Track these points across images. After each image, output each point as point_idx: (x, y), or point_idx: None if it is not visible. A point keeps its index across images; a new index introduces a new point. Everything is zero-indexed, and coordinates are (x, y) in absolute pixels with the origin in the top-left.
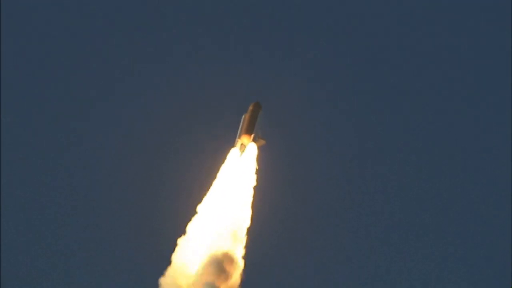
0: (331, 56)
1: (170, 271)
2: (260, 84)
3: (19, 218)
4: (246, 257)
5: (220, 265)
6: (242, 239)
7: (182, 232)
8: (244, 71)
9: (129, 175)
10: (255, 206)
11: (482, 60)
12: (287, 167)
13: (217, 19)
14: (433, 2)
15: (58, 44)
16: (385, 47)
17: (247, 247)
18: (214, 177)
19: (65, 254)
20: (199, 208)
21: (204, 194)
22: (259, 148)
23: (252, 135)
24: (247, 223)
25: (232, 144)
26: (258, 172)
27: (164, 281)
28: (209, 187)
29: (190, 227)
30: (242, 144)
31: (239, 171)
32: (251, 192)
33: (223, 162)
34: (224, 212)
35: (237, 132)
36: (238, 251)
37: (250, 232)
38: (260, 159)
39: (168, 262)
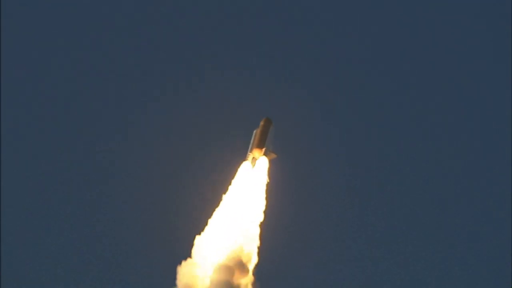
0: (339, 74)
1: (184, 277)
2: (271, 101)
3: (29, 218)
4: (256, 267)
5: (232, 273)
6: (254, 244)
7: (199, 234)
8: (256, 89)
9: (149, 184)
10: (266, 216)
11: (481, 67)
12: (297, 179)
13: (232, 38)
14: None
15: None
16: (394, 64)
17: (258, 254)
18: (227, 188)
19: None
20: (213, 217)
21: (218, 204)
22: (270, 161)
23: (263, 149)
24: (258, 230)
25: (244, 158)
26: (269, 184)
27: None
28: (223, 197)
29: (204, 235)
30: (253, 157)
31: (250, 182)
32: (262, 203)
33: (235, 174)
34: (236, 222)
35: (248, 146)
36: (250, 259)
37: (261, 240)
38: (271, 172)
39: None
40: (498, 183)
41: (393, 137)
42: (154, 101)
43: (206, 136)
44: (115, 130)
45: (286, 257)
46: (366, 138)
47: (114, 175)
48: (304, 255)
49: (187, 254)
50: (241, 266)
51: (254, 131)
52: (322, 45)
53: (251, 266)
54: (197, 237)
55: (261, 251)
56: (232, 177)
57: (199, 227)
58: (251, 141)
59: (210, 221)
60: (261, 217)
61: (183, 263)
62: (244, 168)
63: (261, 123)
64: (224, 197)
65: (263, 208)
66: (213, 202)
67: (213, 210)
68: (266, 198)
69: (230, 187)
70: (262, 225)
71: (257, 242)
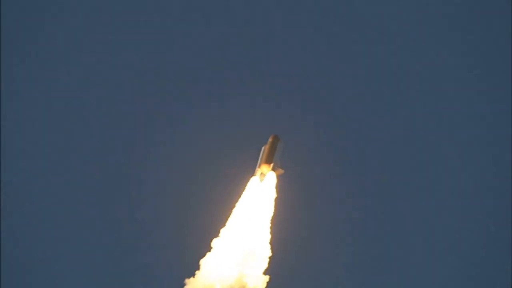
0: (345, 93)
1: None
2: (279, 119)
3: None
4: (267, 275)
5: (242, 283)
6: (264, 257)
7: (207, 250)
8: (264, 107)
9: (161, 197)
10: (274, 228)
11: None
12: (304, 194)
13: (244, 57)
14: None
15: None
16: (399, 83)
17: (268, 265)
18: (236, 202)
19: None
20: (223, 230)
21: (228, 217)
22: (278, 176)
23: (272, 165)
24: (268, 243)
25: (252, 173)
26: (277, 198)
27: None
28: (232, 211)
29: (215, 244)
30: (261, 173)
31: (259, 197)
32: (270, 216)
33: (244, 188)
34: (246, 235)
35: (257, 162)
36: (260, 269)
37: (271, 251)
38: (279, 187)
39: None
40: (498, 183)
41: (402, 152)
42: (165, 119)
43: (216, 152)
44: (128, 143)
45: (295, 271)
46: (372, 153)
47: (124, 189)
48: (312, 269)
49: (196, 268)
50: (251, 279)
51: (263, 148)
52: (329, 64)
53: (262, 278)
54: (207, 250)
55: (271, 263)
56: (241, 192)
57: (208, 240)
58: (260, 157)
59: (220, 234)
60: (269, 231)
61: (191, 279)
62: (253, 183)
63: (270, 139)
64: (234, 211)
65: (271, 221)
66: (223, 216)
67: (223, 224)
68: (274, 212)
69: (239, 201)
70: (271, 239)
71: (265, 258)
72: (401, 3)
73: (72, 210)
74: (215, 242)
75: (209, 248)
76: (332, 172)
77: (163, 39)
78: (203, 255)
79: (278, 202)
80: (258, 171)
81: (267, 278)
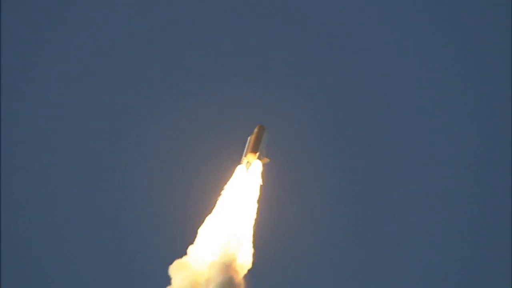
0: (329, 83)
1: (182, 268)
2: (264, 109)
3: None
4: (252, 258)
5: (228, 264)
6: (248, 242)
7: (195, 234)
8: (251, 98)
9: (153, 185)
10: (259, 214)
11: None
12: (288, 182)
13: (229, 49)
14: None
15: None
16: (385, 72)
17: (253, 248)
18: (223, 189)
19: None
20: (211, 214)
21: (215, 203)
22: (263, 165)
23: (257, 154)
24: (252, 230)
25: (239, 162)
26: (262, 186)
27: (175, 276)
28: (219, 198)
29: (202, 230)
30: (248, 161)
31: (245, 184)
32: (255, 202)
33: (231, 176)
34: (232, 220)
35: (243, 151)
36: (244, 252)
37: (255, 236)
38: (265, 175)
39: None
40: (498, 183)
41: (384, 140)
42: (155, 108)
43: (204, 142)
44: (114, 133)
45: (278, 254)
46: (356, 143)
47: (112, 177)
48: (295, 253)
49: (183, 253)
50: (234, 264)
51: (249, 137)
52: (313, 54)
53: (244, 264)
54: (194, 235)
55: (254, 247)
56: (228, 179)
57: (196, 226)
58: (246, 147)
59: (206, 220)
60: (254, 216)
61: (179, 261)
62: (239, 171)
63: (255, 129)
64: (220, 197)
65: (256, 207)
66: (210, 202)
67: (210, 210)
68: (259, 199)
69: (225, 188)
70: (256, 224)
71: (250, 240)
72: None
73: (62, 201)
74: (202, 227)
75: (196, 233)
76: (316, 160)
77: (148, 28)
78: (191, 240)
79: (264, 189)
80: (244, 160)
81: (251, 260)
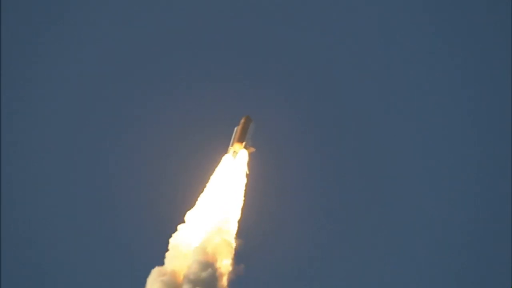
0: (313, 76)
1: (171, 252)
2: (251, 101)
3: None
4: (236, 243)
5: (214, 248)
6: (234, 228)
7: (182, 220)
8: (237, 91)
9: (146, 173)
10: (246, 201)
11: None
12: (273, 170)
13: (216, 46)
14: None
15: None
16: (373, 64)
17: (238, 233)
18: (210, 177)
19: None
20: (198, 201)
21: (202, 190)
22: (249, 154)
23: (243, 143)
24: (238, 214)
25: (225, 151)
26: (248, 174)
27: (166, 260)
28: (206, 185)
29: (189, 216)
30: (234, 151)
31: (231, 172)
32: (242, 189)
33: (218, 165)
34: (219, 205)
35: (230, 141)
36: (230, 237)
37: (240, 222)
38: (250, 164)
39: (168, 246)
40: (499, 183)
41: (369, 130)
42: (146, 101)
43: (193, 132)
44: (108, 125)
45: (263, 239)
46: (339, 134)
47: (107, 167)
48: (279, 236)
49: (170, 237)
50: (221, 247)
51: (235, 128)
52: (298, 49)
53: (231, 247)
54: (183, 219)
55: (240, 233)
56: (215, 167)
57: (185, 211)
58: (232, 137)
59: (194, 206)
60: (240, 203)
61: (168, 245)
62: (226, 160)
63: (242, 120)
64: (208, 184)
65: (243, 194)
66: (198, 189)
67: (198, 196)
68: (246, 186)
69: (213, 176)
70: (242, 210)
71: (236, 226)
72: None
73: (62, 200)
74: (190, 213)
75: (184, 218)
76: (299, 150)
77: (139, 21)
78: (179, 224)
79: (249, 177)
80: (231, 149)
81: (236, 241)
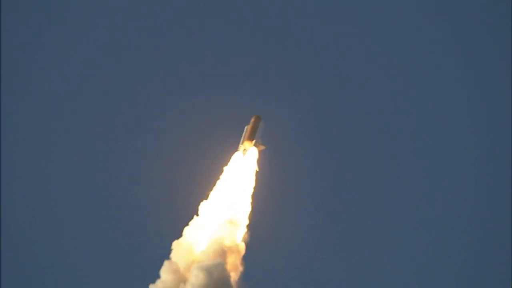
0: (322, 77)
1: (179, 249)
2: (261, 101)
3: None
4: (247, 239)
5: (223, 244)
6: (244, 223)
7: (195, 213)
8: (248, 90)
9: (160, 171)
10: (255, 197)
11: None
12: (282, 168)
13: (228, 47)
14: None
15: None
16: (380, 64)
17: (248, 230)
18: (221, 173)
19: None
20: (210, 195)
21: (213, 187)
22: (259, 152)
23: (253, 141)
24: (248, 210)
25: (236, 149)
26: (258, 171)
27: (173, 256)
28: (217, 181)
29: (202, 209)
30: (244, 149)
31: (242, 168)
32: (251, 186)
33: (228, 162)
34: (229, 200)
35: (240, 140)
36: (239, 233)
37: (250, 218)
38: (260, 161)
39: (181, 238)
40: (499, 183)
41: (377, 129)
42: (160, 101)
43: (205, 131)
44: (121, 124)
45: (272, 234)
46: (344, 133)
47: (121, 164)
48: (288, 233)
49: (180, 235)
50: (231, 242)
51: (246, 127)
52: (307, 49)
53: (241, 242)
54: (196, 212)
55: (250, 229)
56: (225, 165)
57: (197, 205)
58: (243, 135)
59: (204, 202)
60: (250, 198)
61: (177, 241)
62: (236, 157)
63: (252, 119)
64: (218, 181)
65: (252, 190)
66: (209, 185)
67: (210, 191)
68: (255, 182)
69: (223, 173)
70: (251, 205)
71: (246, 219)
72: None
73: (62, 199)
74: (201, 208)
75: (196, 213)
76: (308, 148)
77: (146, 24)
78: (190, 220)
79: (259, 174)
80: (241, 147)
81: (244, 240)
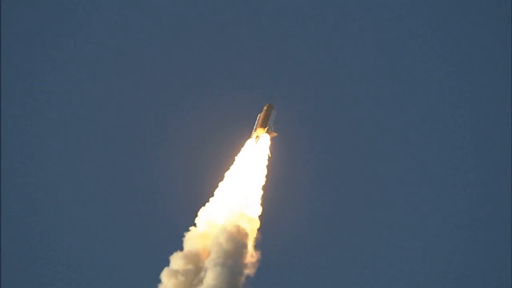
0: (335, 63)
1: (198, 226)
2: (273, 89)
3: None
4: (260, 217)
5: (239, 222)
6: (257, 202)
7: (211, 195)
8: (261, 79)
9: (183, 156)
10: (267, 180)
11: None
12: (294, 154)
13: (243, 40)
14: None
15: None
16: (388, 57)
17: (261, 208)
18: (234, 159)
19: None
20: (225, 177)
21: (228, 169)
22: (271, 139)
23: (266, 128)
24: (260, 191)
25: (249, 136)
26: (270, 156)
27: (191, 233)
28: (232, 165)
29: (217, 192)
30: (257, 136)
31: (254, 153)
32: (264, 168)
33: (242, 147)
34: (243, 183)
35: (253, 127)
36: (254, 211)
37: (263, 197)
38: (272, 148)
39: (196, 219)
40: (499, 183)
41: (387, 118)
42: (178, 92)
43: (220, 118)
44: (138, 114)
45: (283, 215)
46: (355, 121)
47: (141, 151)
48: (298, 214)
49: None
50: (244, 223)
51: (258, 115)
52: (319, 41)
53: (254, 223)
54: (211, 195)
55: (263, 210)
56: (239, 150)
57: (211, 189)
58: (256, 123)
59: (220, 184)
60: (263, 181)
61: (196, 220)
62: (249, 143)
63: (264, 108)
64: (232, 166)
65: (265, 174)
66: (223, 169)
67: (223, 176)
68: (267, 167)
69: (237, 158)
70: (264, 189)
71: (259, 201)
72: None
73: (62, 199)
74: (217, 189)
75: (212, 193)
76: (317, 134)
77: (157, 18)
78: (204, 203)
79: (271, 159)
80: (254, 134)
81: (258, 218)
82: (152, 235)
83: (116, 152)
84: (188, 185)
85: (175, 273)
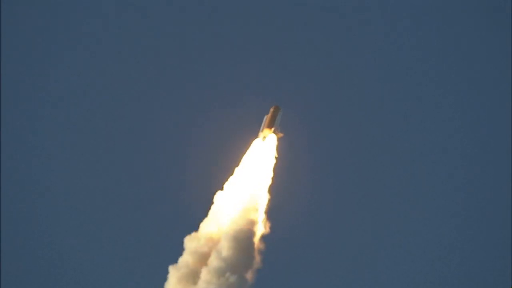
0: (339, 66)
1: (206, 223)
2: (279, 92)
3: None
4: (267, 213)
5: (248, 217)
6: (264, 201)
7: (220, 189)
8: (267, 81)
9: (191, 154)
10: (274, 180)
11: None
12: (299, 154)
13: (249, 38)
14: None
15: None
16: (392, 59)
17: (268, 205)
18: (241, 159)
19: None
20: (232, 176)
21: (235, 168)
22: (278, 139)
23: (272, 129)
24: (267, 189)
25: (256, 136)
26: (276, 157)
27: (201, 231)
28: (239, 165)
29: (225, 188)
30: (264, 136)
31: (261, 153)
32: (271, 169)
33: (249, 147)
34: (250, 182)
35: (260, 128)
36: (260, 207)
37: (270, 200)
38: (278, 148)
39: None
40: (499, 183)
41: (395, 117)
42: (182, 89)
43: (228, 119)
44: (141, 110)
45: (289, 215)
46: (360, 122)
47: (147, 153)
48: (304, 212)
49: (203, 216)
50: (251, 220)
51: (265, 116)
52: (324, 43)
53: (260, 220)
54: (216, 195)
55: (269, 209)
56: (246, 150)
57: (219, 187)
58: (262, 124)
59: (226, 184)
60: (269, 182)
61: (204, 220)
62: (256, 144)
63: (271, 109)
64: (239, 166)
65: (271, 175)
66: (230, 169)
67: (230, 176)
68: (274, 168)
69: (244, 158)
70: (270, 189)
71: (266, 199)
72: None
73: (62, 199)
74: (225, 187)
75: (222, 187)
76: (324, 135)
77: (165, 19)
78: (211, 202)
79: (277, 159)
80: (261, 135)
81: (266, 224)
82: (154, 236)
83: (117, 152)
84: (199, 178)
85: (197, 237)
